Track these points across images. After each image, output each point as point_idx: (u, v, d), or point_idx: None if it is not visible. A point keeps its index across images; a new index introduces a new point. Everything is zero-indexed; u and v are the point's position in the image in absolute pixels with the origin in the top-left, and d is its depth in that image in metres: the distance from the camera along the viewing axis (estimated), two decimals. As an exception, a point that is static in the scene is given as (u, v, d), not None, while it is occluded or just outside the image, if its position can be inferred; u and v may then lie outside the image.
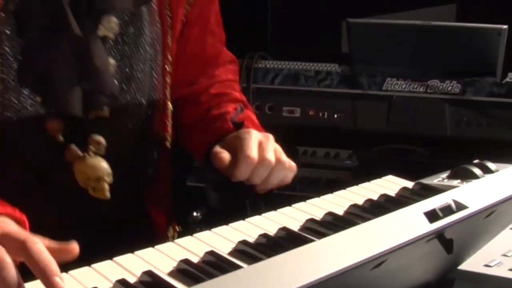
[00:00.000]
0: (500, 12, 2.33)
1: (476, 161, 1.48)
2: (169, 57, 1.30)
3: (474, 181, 0.99)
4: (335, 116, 2.10)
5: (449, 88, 2.03)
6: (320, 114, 2.11)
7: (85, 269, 0.81)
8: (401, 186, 1.16)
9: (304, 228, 0.96)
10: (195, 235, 0.91)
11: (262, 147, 1.16)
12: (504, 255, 1.07)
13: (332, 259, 0.65)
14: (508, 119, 2.02)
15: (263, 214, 1.00)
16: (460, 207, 0.79)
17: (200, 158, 1.35)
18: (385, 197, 1.11)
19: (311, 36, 2.63)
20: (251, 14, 2.85)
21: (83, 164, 1.19)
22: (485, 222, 0.88)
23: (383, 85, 2.06)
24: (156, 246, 0.88)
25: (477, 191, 0.86)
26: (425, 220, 0.75)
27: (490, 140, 2.04)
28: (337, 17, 2.49)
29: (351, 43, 2.14)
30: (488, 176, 1.13)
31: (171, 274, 0.81)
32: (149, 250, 0.86)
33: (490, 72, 2.07)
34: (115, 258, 0.84)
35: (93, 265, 0.82)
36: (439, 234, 0.74)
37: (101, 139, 1.21)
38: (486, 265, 1.03)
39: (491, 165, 1.45)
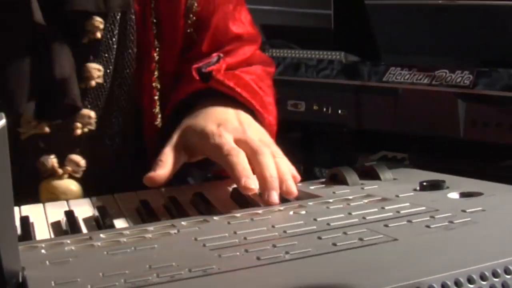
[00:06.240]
0: None
1: (371, 163, 1.20)
2: (155, 64, 1.16)
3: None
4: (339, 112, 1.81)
5: (458, 80, 1.64)
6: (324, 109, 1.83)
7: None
8: None
9: None
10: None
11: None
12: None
13: None
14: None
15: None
16: None
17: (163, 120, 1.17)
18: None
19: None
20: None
21: (53, 184, 1.09)
22: None
23: (384, 75, 1.73)
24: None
25: None
26: None
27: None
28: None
29: (372, 28, 1.83)
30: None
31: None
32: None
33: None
34: None
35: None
36: None
37: (81, 161, 1.10)
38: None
39: (383, 171, 1.13)
